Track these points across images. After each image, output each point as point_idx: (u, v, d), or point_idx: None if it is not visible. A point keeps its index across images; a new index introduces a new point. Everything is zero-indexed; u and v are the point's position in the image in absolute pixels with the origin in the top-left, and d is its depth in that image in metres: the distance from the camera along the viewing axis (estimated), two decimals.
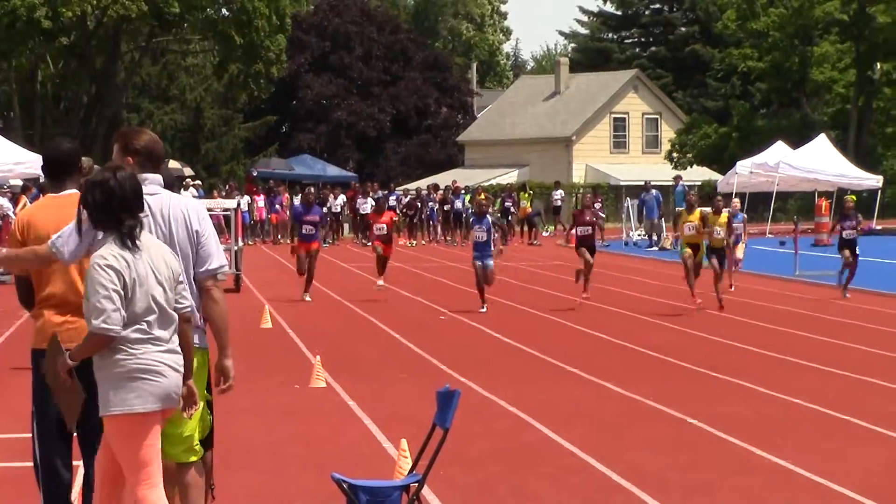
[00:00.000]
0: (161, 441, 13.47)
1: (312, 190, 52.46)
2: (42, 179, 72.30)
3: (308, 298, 46.10)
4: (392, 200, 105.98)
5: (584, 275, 46.44)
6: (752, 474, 20.92)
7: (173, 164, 47.77)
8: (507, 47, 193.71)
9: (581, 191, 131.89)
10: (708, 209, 43.13)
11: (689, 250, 42.48)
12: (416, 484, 14.92)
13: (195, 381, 13.69)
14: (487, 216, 40.96)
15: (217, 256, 14.05)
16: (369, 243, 51.30)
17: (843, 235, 51.65)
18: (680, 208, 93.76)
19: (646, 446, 22.83)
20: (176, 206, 13.93)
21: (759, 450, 22.37)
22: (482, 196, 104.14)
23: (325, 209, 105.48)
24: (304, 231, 43.50)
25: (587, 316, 43.73)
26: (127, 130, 14.60)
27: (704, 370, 31.95)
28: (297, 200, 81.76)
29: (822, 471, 20.71)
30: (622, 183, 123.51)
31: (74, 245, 13.48)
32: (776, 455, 21.41)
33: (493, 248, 42.79)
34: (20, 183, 71.33)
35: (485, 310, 42.94)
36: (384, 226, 46.38)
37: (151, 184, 13.87)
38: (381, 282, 48.72)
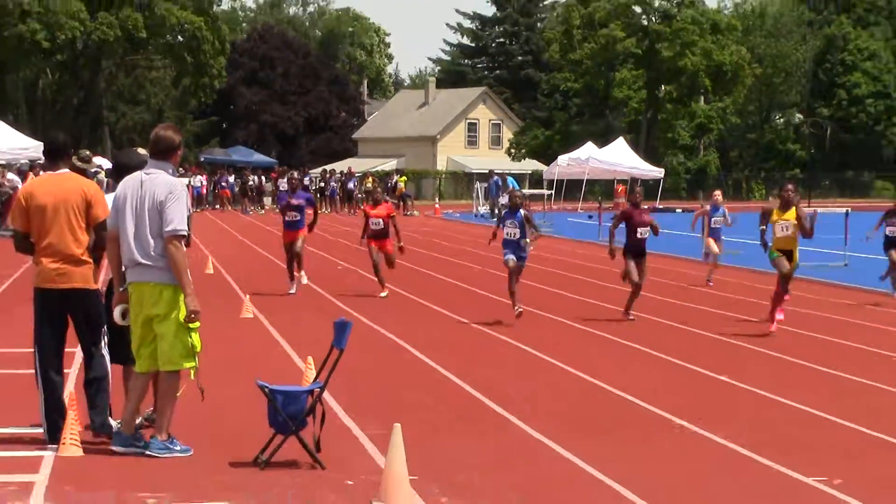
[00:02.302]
0: (150, 352, 14.88)
1: (296, 174, 41.40)
2: (42, 161, 72.56)
3: (293, 291, 33.33)
4: (307, 181, 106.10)
5: (630, 298, 29.73)
6: (566, 391, 20.93)
7: (141, 150, 44.41)
8: (389, 69, 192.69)
9: (443, 176, 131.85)
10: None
11: (782, 256, 27.01)
12: (319, 389, 14.90)
13: (169, 310, 14.66)
14: (521, 210, 27.71)
15: (175, 222, 14.47)
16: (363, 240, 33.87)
17: (888, 233, 34.79)
18: (519, 190, 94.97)
19: (491, 366, 22.82)
20: (153, 185, 14.61)
21: (572, 368, 22.44)
22: (370, 181, 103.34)
23: (242, 183, 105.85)
24: (286, 219, 32.78)
25: (452, 270, 43.39)
26: (156, 129, 15.46)
27: (535, 310, 31.90)
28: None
29: (621, 384, 20.69)
30: (473, 171, 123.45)
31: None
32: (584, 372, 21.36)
33: (527, 243, 28.42)
34: (27, 163, 70.91)
35: (520, 310, 28.56)
36: (380, 220, 32.66)
37: (151, 167, 14.84)
38: (384, 293, 33.49)
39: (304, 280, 34.91)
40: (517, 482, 14.13)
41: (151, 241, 14.60)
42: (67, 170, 15.71)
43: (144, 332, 14.82)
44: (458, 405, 18.83)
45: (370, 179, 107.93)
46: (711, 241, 39.54)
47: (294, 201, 33.28)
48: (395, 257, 34.53)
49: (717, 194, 42.00)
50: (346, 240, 59.90)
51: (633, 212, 29.45)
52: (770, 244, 28.07)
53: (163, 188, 14.62)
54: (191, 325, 14.74)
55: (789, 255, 27.17)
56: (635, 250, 29.64)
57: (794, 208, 26.96)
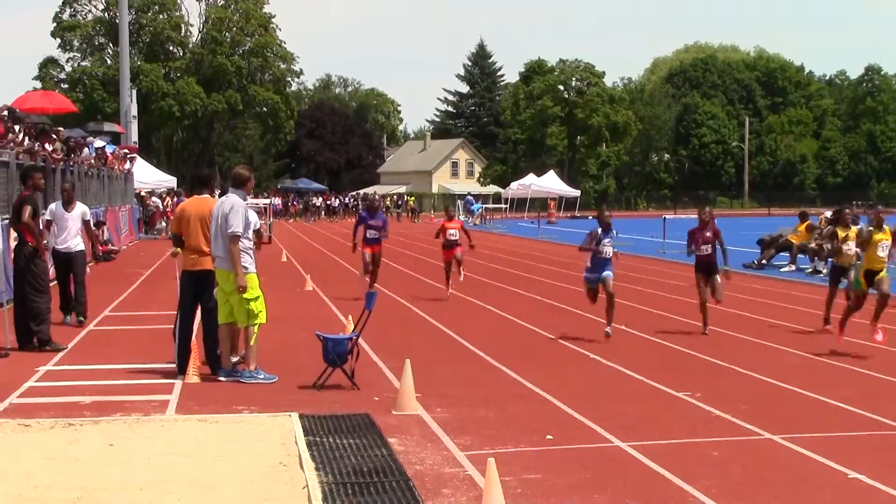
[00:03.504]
0: (226, 311, 15.28)
1: (378, 196, 32.91)
2: (177, 188, 72.54)
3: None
4: (347, 199, 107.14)
5: (702, 313, 21.05)
6: (516, 337, 20.69)
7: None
8: (400, 126, 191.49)
9: (436, 197, 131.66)
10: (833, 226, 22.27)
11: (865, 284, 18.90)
12: (356, 337, 14.78)
13: (234, 288, 14.98)
14: (614, 230, 20.57)
15: (233, 226, 14.77)
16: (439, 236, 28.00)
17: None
18: (474, 207, 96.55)
19: (470, 321, 22.57)
20: (226, 203, 15.03)
21: (519, 320, 22.16)
22: (412, 200, 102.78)
23: (310, 204, 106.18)
24: (368, 235, 26.64)
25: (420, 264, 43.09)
26: (235, 167, 16.15)
27: (499, 284, 31.57)
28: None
29: (553, 331, 20.40)
30: (455, 193, 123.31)
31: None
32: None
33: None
34: (165, 190, 70.80)
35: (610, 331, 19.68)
36: (456, 231, 27.22)
37: (230, 193, 15.24)
38: (451, 290, 27.46)
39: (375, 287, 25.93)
40: (483, 393, 14.06)
41: (221, 241, 14.95)
42: (207, 195, 16.05)
43: (221, 297, 15.17)
44: (446, 347, 18.66)
45: (413, 199, 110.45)
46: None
47: (373, 222, 26.57)
48: (463, 257, 27.94)
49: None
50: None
51: (695, 230, 21.06)
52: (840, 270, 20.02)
53: (229, 205, 14.97)
54: (248, 297, 14.92)
55: (876, 273, 18.70)
56: (703, 265, 20.94)
57: (886, 227, 18.93)
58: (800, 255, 35.82)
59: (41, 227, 19.46)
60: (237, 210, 14.94)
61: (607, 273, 19.72)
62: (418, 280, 32.50)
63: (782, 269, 35.33)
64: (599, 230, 19.76)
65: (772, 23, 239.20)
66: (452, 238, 27.23)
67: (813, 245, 34.99)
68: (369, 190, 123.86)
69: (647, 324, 22.02)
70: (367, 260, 26.38)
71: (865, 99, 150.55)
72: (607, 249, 19.67)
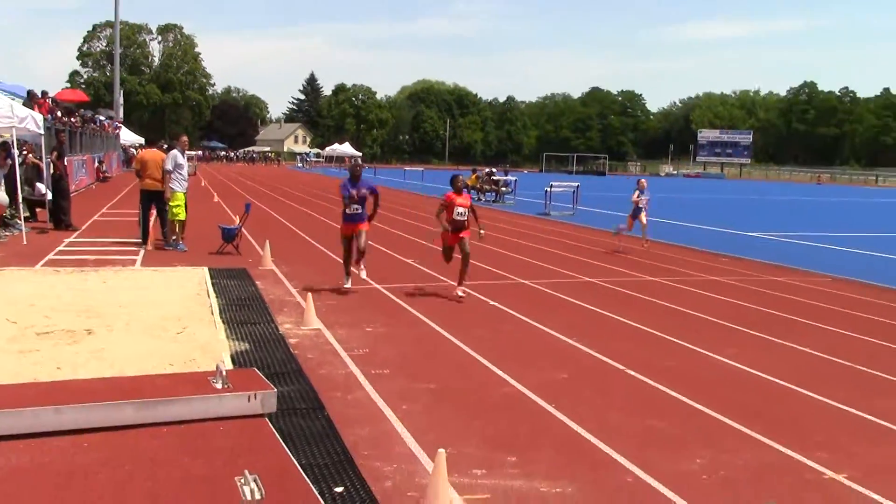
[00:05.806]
0: (171, 212, 14.20)
1: (360, 161, 12.03)
2: (143, 144, 68.04)
3: (348, 285, 10.73)
4: (239, 153, 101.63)
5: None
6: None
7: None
8: (268, 115, 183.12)
9: (285, 154, 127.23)
10: None
11: None
12: (240, 227, 14.41)
13: (180, 201, 14.03)
14: None
15: (166, 166, 13.82)
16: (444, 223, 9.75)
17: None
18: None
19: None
20: (169, 153, 13.99)
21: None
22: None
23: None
24: (348, 211, 9.99)
25: (301, 199, 41.36)
26: (174, 132, 14.76)
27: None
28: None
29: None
30: (297, 151, 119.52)
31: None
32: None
33: None
34: (137, 144, 66.52)
35: None
36: (464, 210, 9.64)
37: (173, 147, 14.15)
38: (460, 292, 10.15)
39: (364, 275, 10.98)
40: (308, 259, 13.81)
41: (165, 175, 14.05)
42: (156, 149, 15.01)
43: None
44: (290, 235, 18.17)
45: (274, 154, 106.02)
46: (630, 219, 16.63)
47: (360, 192, 10.33)
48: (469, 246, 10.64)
49: (643, 182, 16.30)
50: (313, 210, 57.33)
51: None
52: None
53: (167, 154, 14.13)
54: (173, 204, 14.11)
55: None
56: None
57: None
58: (473, 191, 36.78)
59: (65, 163, 18.43)
60: (169, 157, 14.16)
61: None
62: (300, 212, 31.70)
63: None
64: None
65: (467, 67, 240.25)
66: (460, 218, 10.46)
67: (478, 186, 36.14)
68: (249, 148, 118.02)
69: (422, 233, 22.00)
70: (347, 241, 10.84)
71: (508, 112, 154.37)
72: None
